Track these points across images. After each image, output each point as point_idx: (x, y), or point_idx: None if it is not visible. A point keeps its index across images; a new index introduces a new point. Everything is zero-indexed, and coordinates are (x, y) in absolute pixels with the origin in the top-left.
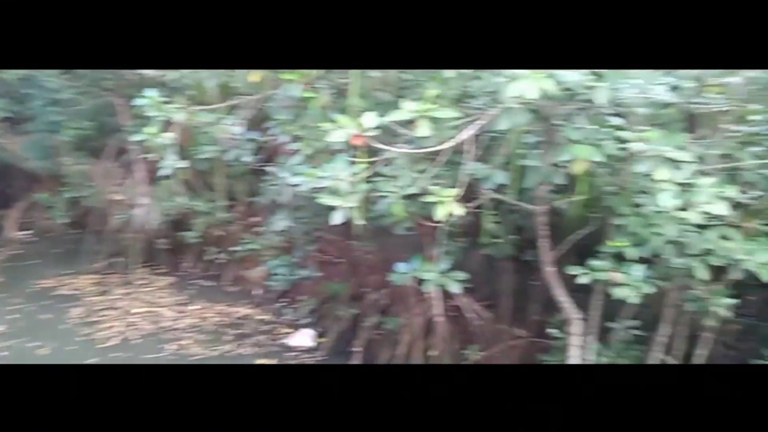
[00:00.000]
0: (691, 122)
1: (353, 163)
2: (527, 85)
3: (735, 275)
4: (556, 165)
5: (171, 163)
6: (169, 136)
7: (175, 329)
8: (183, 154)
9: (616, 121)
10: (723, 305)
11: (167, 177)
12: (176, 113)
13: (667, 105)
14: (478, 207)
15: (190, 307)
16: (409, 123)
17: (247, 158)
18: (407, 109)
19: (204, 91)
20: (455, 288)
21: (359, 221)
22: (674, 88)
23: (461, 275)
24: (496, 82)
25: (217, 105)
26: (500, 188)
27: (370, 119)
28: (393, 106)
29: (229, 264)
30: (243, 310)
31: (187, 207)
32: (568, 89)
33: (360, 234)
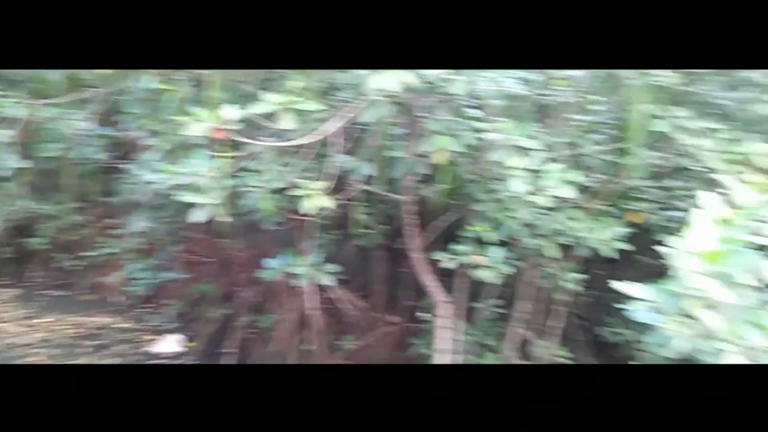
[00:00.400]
0: (541, 113)
1: (214, 158)
2: (389, 78)
3: (581, 252)
4: (419, 155)
5: (11, 163)
6: (6, 134)
7: (23, 345)
8: (25, 152)
9: (474, 112)
10: (572, 280)
11: (7, 179)
12: (14, 108)
13: (518, 97)
14: (348, 199)
15: (38, 320)
16: (272, 116)
17: (99, 155)
18: (270, 101)
19: (48, 83)
20: (328, 280)
21: (224, 218)
22: (525, 81)
23: (333, 267)
24: (359, 75)
25: (62, 99)
26: (368, 180)
27: (231, 112)
28: (255, 98)
29: (84, 271)
30: (101, 320)
31: (32, 211)
32: (429, 82)
33: (228, 231)
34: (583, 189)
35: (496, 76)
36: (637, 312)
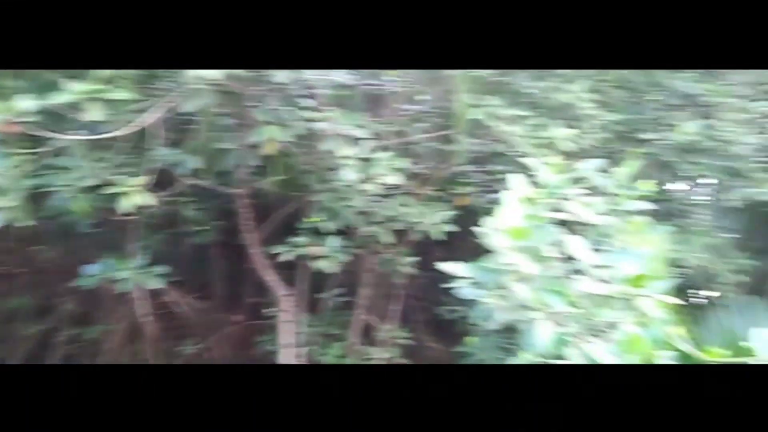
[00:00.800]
0: (371, 102)
1: (8, 155)
2: None
3: (414, 236)
4: (250, 147)
5: None
6: None
7: None
8: None
9: (305, 102)
10: (408, 264)
11: None
12: None
13: (347, 87)
14: (175, 195)
15: None
16: (78, 106)
17: None
18: (74, 90)
19: None
20: (157, 283)
21: (25, 222)
22: (353, 72)
23: (163, 269)
24: None
25: None
26: (197, 173)
27: (27, 103)
28: (57, 87)
29: None
30: None
31: None
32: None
33: (39, 237)
34: (413, 176)
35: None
36: (462, 289)
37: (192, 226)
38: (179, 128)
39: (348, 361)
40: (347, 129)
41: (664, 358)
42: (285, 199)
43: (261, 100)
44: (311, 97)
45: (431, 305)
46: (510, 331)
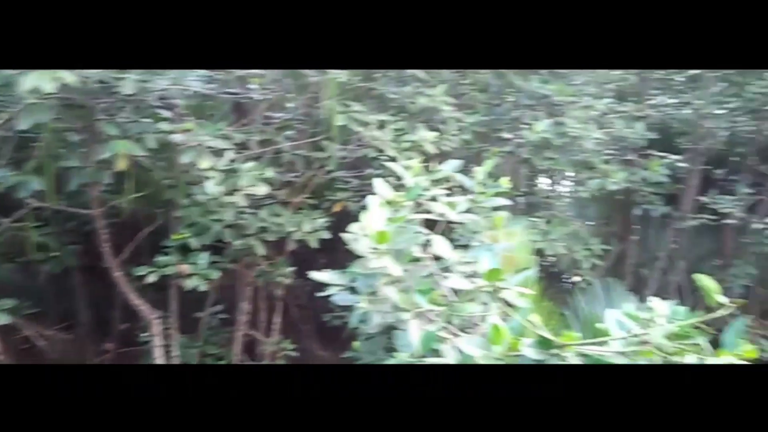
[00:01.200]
0: (235, 111)
1: None
2: (40, 77)
3: (290, 246)
4: (100, 163)
5: None
6: None
7: None
8: None
9: (160, 113)
10: (286, 274)
11: None
12: None
13: (207, 96)
14: (18, 220)
15: None
16: None
17: None
18: None
19: None
20: (5, 319)
21: None
22: (211, 80)
23: (11, 302)
24: (9, 75)
25: None
26: (41, 195)
27: None
28: None
29: None
30: None
31: None
32: (101, 81)
33: None
34: (286, 184)
35: (179, 75)
36: (336, 296)
37: (44, 253)
38: (19, 147)
39: None
40: (208, 140)
41: (526, 346)
42: (148, 217)
43: (111, 112)
44: (168, 108)
45: (317, 313)
46: (392, 332)
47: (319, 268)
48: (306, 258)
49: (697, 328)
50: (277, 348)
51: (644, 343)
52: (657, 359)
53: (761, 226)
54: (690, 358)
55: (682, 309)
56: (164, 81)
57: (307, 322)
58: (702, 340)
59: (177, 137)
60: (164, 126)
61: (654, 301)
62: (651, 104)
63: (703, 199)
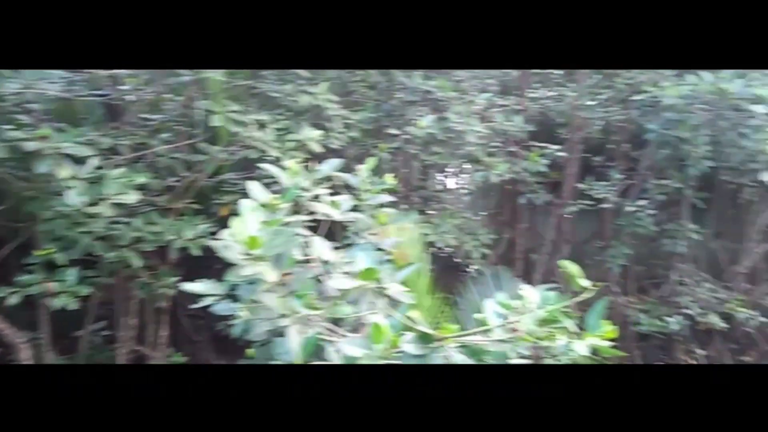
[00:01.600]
0: (106, 114)
1: None
2: None
3: (173, 255)
4: None
5: None
6: None
7: None
8: None
9: (18, 119)
10: (170, 285)
11: None
12: None
13: (67, 100)
14: None
15: None
16: None
17: None
18: None
19: None
20: None
21: None
22: (72, 83)
23: None
24: None
25: None
26: None
27: None
28: None
29: None
30: None
31: None
32: None
33: None
34: (165, 190)
35: (33, 78)
36: (216, 306)
37: None
38: None
39: None
40: (67, 146)
41: (406, 342)
42: (7, 232)
43: None
44: (25, 112)
45: (211, 322)
46: (269, 340)
47: (213, 276)
48: (201, 265)
49: (565, 311)
50: (166, 362)
51: (515, 330)
52: (529, 345)
53: (633, 208)
54: (560, 342)
55: (551, 294)
56: (15, 84)
57: (202, 332)
58: (570, 324)
59: (31, 145)
60: (18, 133)
61: (525, 289)
62: (531, 98)
63: (581, 186)
